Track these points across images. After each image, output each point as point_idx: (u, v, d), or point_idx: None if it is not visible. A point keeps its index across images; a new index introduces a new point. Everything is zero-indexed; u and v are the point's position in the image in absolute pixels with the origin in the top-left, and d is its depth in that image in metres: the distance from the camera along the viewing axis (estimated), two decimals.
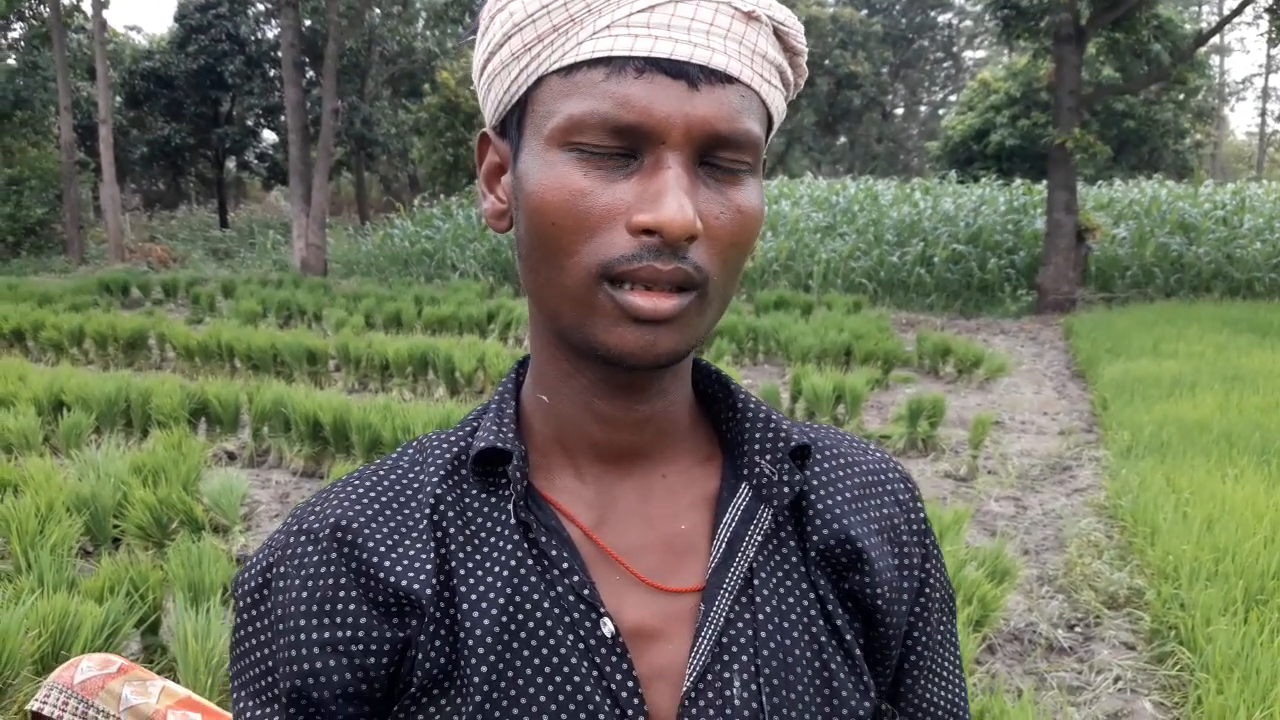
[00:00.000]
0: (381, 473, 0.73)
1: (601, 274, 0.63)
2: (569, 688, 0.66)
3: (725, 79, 0.63)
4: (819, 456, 0.77)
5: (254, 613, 0.71)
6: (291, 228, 19.25)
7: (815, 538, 0.73)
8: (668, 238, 0.61)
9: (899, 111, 44.95)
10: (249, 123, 30.25)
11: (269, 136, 32.25)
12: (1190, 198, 18.15)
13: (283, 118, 23.24)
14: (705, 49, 0.62)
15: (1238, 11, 14.46)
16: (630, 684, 0.66)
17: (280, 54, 19.89)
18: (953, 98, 44.99)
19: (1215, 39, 28.65)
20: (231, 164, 33.61)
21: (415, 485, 0.71)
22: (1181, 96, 26.59)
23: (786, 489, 0.72)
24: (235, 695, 0.72)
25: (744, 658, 0.69)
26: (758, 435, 0.73)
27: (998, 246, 15.94)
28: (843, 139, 39.21)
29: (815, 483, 0.75)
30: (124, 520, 4.32)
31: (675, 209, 0.60)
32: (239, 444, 6.31)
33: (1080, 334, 10.95)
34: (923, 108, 47.49)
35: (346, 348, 8.52)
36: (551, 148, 0.64)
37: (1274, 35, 14.64)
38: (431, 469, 0.72)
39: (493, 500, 0.70)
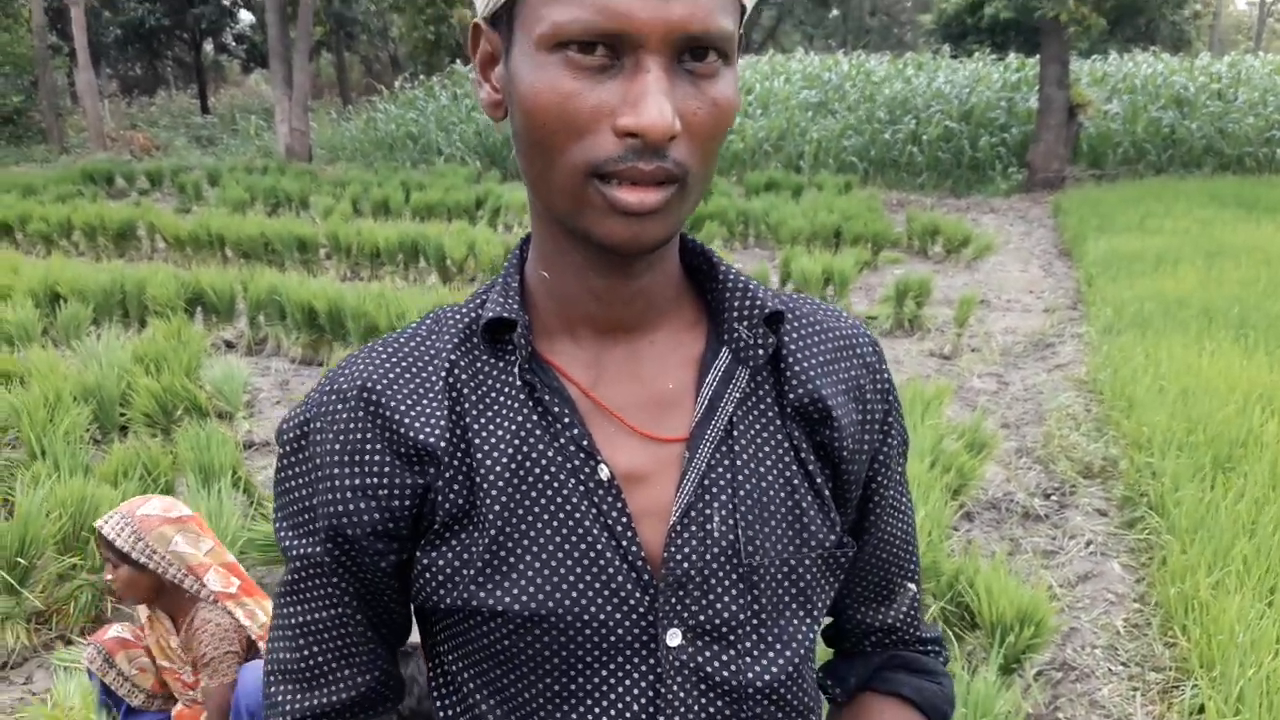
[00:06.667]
0: (402, 340, 0.82)
1: (590, 172, 0.68)
2: (571, 523, 0.76)
3: None
4: (796, 323, 0.85)
5: (293, 459, 0.82)
6: (274, 112, 18.92)
7: (791, 395, 0.82)
8: (649, 141, 0.66)
9: None
10: (225, 2, 29.34)
11: (246, 17, 31.33)
12: (1186, 71, 17.89)
13: None
14: None
15: None
16: (625, 520, 0.76)
17: None
18: None
19: None
20: (209, 47, 32.72)
21: (432, 351, 0.80)
22: None
23: (761, 351, 0.81)
24: (278, 527, 0.84)
25: (723, 497, 0.79)
26: (736, 303, 0.81)
27: (990, 124, 15.78)
28: (835, 12, 38.19)
29: (793, 346, 0.84)
30: (130, 408, 4.44)
31: (656, 114, 0.65)
32: (236, 333, 6.40)
33: (1068, 211, 10.96)
34: None
35: (337, 236, 8.54)
36: (540, 50, 0.68)
37: None
38: (446, 337, 0.81)
39: (500, 364, 0.79)
